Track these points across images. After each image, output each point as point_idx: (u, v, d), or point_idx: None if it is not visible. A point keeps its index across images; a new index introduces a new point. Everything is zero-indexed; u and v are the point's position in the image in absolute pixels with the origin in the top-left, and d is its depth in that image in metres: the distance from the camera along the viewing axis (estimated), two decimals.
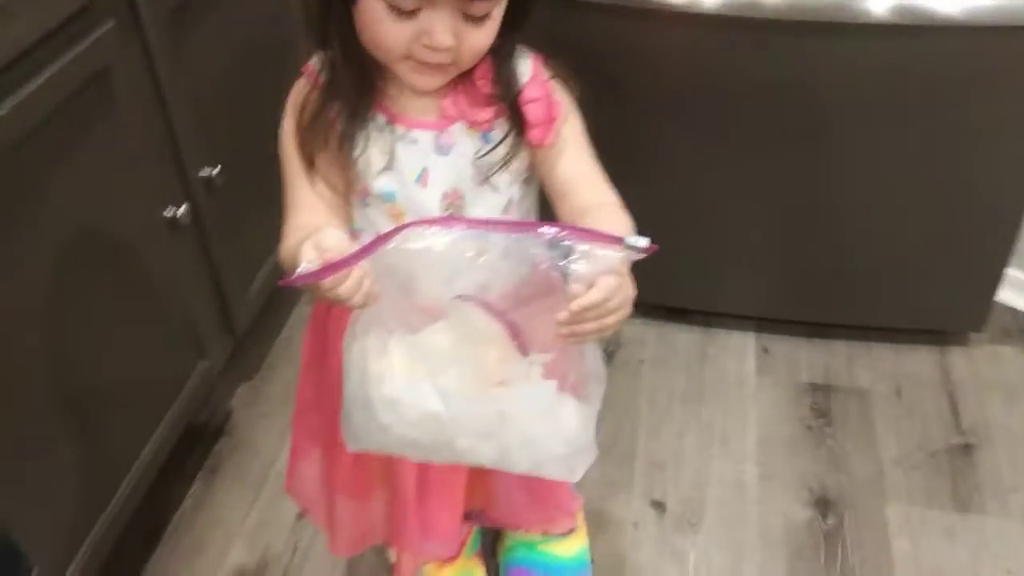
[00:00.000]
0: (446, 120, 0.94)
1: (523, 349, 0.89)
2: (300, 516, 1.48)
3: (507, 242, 0.81)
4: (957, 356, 1.76)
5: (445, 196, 0.96)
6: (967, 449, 1.58)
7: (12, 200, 1.03)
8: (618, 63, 1.47)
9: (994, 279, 1.65)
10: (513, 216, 1.00)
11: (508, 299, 0.85)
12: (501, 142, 0.94)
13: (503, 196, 0.98)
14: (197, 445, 1.59)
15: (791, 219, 1.64)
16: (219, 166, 1.41)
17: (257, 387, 1.72)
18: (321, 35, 0.92)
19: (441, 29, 0.84)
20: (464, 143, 0.95)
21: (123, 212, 1.24)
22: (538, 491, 1.23)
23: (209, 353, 1.49)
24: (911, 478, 1.53)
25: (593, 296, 0.79)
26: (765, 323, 1.81)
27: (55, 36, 1.05)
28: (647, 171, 1.57)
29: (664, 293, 1.74)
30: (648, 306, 1.77)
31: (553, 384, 0.90)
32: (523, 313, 0.86)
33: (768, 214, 1.64)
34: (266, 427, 1.64)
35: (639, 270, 0.82)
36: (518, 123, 0.94)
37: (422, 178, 0.95)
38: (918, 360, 1.75)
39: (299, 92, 0.96)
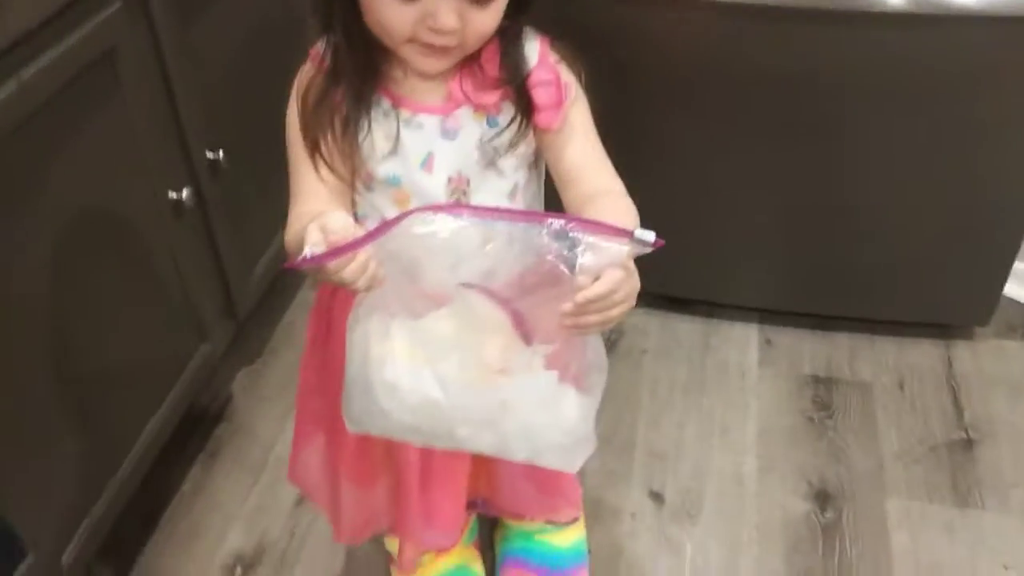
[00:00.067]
0: (452, 104, 0.94)
1: (526, 338, 0.88)
2: (298, 502, 1.48)
3: (514, 231, 0.80)
4: (961, 350, 1.75)
5: (450, 181, 0.95)
6: (968, 444, 1.58)
7: (16, 182, 1.03)
8: (625, 48, 1.46)
9: (1001, 273, 1.64)
10: (519, 201, 1.00)
11: (512, 287, 0.84)
12: (508, 126, 0.94)
13: (509, 181, 0.98)
14: (197, 429, 1.59)
15: (797, 210, 1.63)
16: (224, 149, 1.40)
17: (258, 371, 1.72)
18: (325, 18, 0.92)
19: (446, 11, 0.84)
20: (470, 127, 0.94)
21: (127, 195, 1.24)
22: (542, 480, 1.24)
23: (211, 337, 1.49)
24: (911, 472, 1.53)
25: (598, 288, 0.78)
26: (768, 314, 1.80)
27: (61, 16, 1.05)
28: (652, 159, 1.56)
29: (667, 283, 1.74)
30: (651, 296, 1.76)
31: (554, 374, 0.90)
32: (527, 302, 0.86)
33: (774, 205, 1.63)
34: (266, 412, 1.64)
35: (642, 259, 0.82)
36: (525, 107, 0.94)
37: (427, 163, 0.94)
38: (921, 354, 1.74)
39: (304, 76, 0.96)
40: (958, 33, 1.37)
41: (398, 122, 0.94)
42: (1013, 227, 1.58)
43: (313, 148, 0.95)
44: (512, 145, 0.95)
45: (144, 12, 1.22)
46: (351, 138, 0.94)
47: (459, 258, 0.82)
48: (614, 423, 1.60)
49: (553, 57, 0.96)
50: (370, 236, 0.79)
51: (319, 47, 0.94)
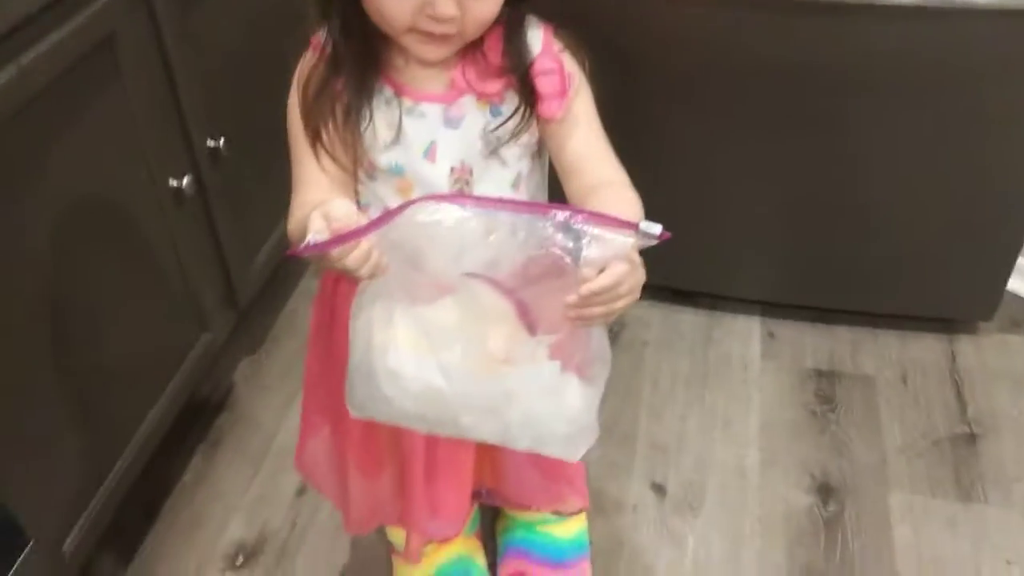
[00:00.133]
0: (455, 92, 0.93)
1: (531, 328, 0.88)
2: (300, 491, 1.48)
3: (517, 221, 0.80)
4: (965, 344, 1.74)
5: (453, 170, 0.95)
6: (972, 438, 1.57)
7: (15, 168, 1.03)
8: (628, 39, 1.45)
9: (1005, 268, 1.63)
10: (523, 191, 0.99)
11: (516, 278, 0.84)
12: (512, 115, 0.93)
13: (512, 170, 0.97)
14: (198, 418, 1.59)
15: (800, 203, 1.63)
16: (225, 136, 1.40)
17: (260, 360, 1.72)
18: (324, 7, 0.91)
19: (444, 0, 0.83)
20: (473, 116, 0.94)
21: (127, 182, 1.24)
22: (548, 469, 1.24)
23: (212, 326, 1.48)
24: (914, 466, 1.53)
25: (603, 281, 0.78)
26: (771, 307, 1.80)
27: (61, 1, 1.04)
28: (655, 151, 1.55)
29: (670, 275, 1.73)
30: (654, 288, 1.73)
31: (557, 364, 0.89)
32: (532, 292, 0.86)
33: (777, 197, 1.63)
34: (268, 401, 1.64)
35: (645, 251, 0.81)
36: (529, 95, 0.93)
37: (430, 152, 0.94)
38: (925, 348, 1.74)
39: (305, 65, 0.96)
40: (963, 26, 1.36)
41: (400, 111, 0.93)
42: (1018, 222, 1.57)
43: (314, 137, 0.94)
44: (515, 135, 0.94)
45: None
46: (352, 127, 0.93)
47: (462, 248, 0.82)
48: (616, 415, 1.60)
49: (557, 46, 0.96)
50: (374, 224, 0.78)
51: (320, 35, 0.94)
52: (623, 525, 1.44)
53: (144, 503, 1.44)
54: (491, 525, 1.40)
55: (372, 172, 0.96)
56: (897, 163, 1.53)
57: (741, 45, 1.45)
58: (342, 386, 0.96)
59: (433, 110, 0.93)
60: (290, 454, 1.33)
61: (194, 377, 1.45)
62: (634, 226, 0.78)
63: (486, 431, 0.93)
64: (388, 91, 0.93)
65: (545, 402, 0.90)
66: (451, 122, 0.94)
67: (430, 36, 0.87)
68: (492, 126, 0.94)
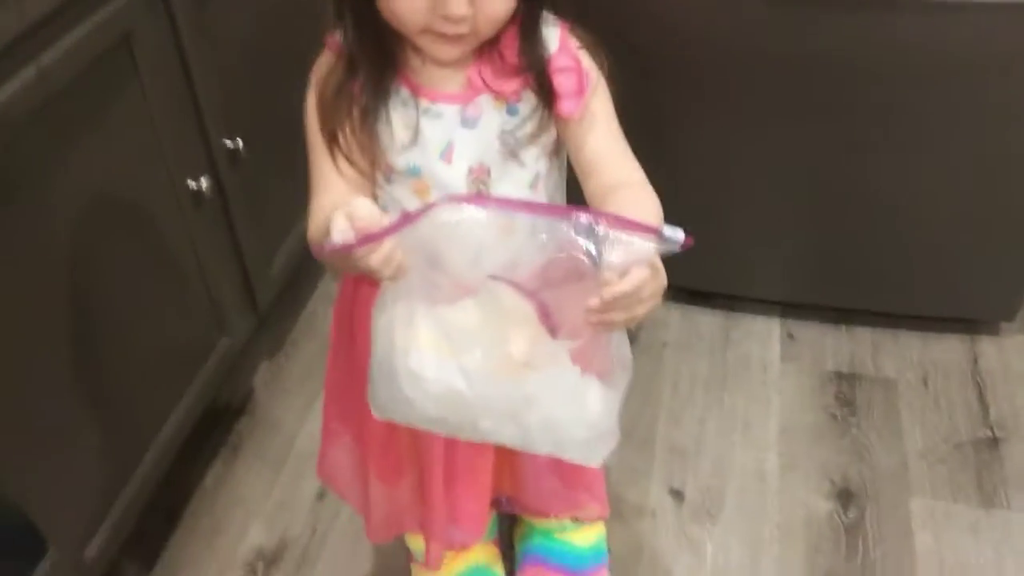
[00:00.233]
0: (472, 91, 0.93)
1: (552, 332, 0.88)
2: (320, 496, 1.49)
3: (539, 223, 0.79)
4: (987, 346, 1.73)
5: (471, 171, 0.94)
6: (994, 442, 1.56)
7: (33, 169, 1.03)
8: (644, 35, 1.44)
9: None
10: (541, 191, 0.99)
11: (536, 279, 0.84)
12: (530, 116, 0.93)
13: (530, 171, 0.97)
14: (219, 423, 1.60)
15: (819, 202, 1.61)
16: (243, 137, 1.40)
17: (279, 364, 1.73)
18: (338, 8, 0.91)
19: None
20: (490, 115, 0.93)
21: (145, 183, 1.24)
22: (568, 476, 1.23)
23: (231, 330, 1.49)
24: (936, 471, 1.51)
25: (625, 286, 0.77)
26: (790, 308, 1.79)
27: (79, 1, 1.05)
28: (673, 150, 1.55)
29: (688, 275, 1.72)
30: (671, 288, 1.72)
31: (578, 369, 0.89)
32: (553, 295, 0.85)
33: (796, 197, 1.62)
34: (288, 404, 1.65)
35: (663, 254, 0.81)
36: (546, 94, 0.93)
37: (447, 153, 0.94)
38: (946, 349, 1.72)
39: (321, 66, 0.95)
40: (986, 19, 1.34)
41: (417, 111, 0.93)
42: None
43: (331, 140, 0.94)
44: (534, 136, 0.94)
45: None
46: (370, 129, 0.93)
47: (480, 249, 0.81)
48: (634, 418, 1.59)
49: (574, 43, 0.95)
50: (397, 225, 0.78)
51: (336, 35, 0.93)
52: (642, 531, 1.44)
53: (165, 508, 1.45)
54: (509, 533, 1.40)
55: (389, 174, 0.96)
56: (918, 161, 1.51)
57: (757, 42, 1.44)
58: (363, 392, 0.95)
59: (450, 110, 0.93)
60: (310, 458, 1.33)
61: (214, 381, 1.46)
62: (657, 231, 0.77)
63: (506, 435, 0.92)
64: (405, 91, 0.93)
65: (566, 407, 0.90)
66: (468, 122, 0.93)
67: (444, 36, 0.87)
68: (509, 126, 0.93)
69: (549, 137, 0.96)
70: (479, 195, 0.94)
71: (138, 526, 1.29)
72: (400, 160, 0.94)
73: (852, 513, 1.45)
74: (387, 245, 0.78)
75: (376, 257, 0.78)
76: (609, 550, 1.36)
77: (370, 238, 0.77)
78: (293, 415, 1.62)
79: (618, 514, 1.44)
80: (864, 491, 1.48)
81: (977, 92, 1.42)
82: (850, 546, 1.41)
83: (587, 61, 0.95)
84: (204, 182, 1.32)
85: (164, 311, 1.33)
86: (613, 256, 0.77)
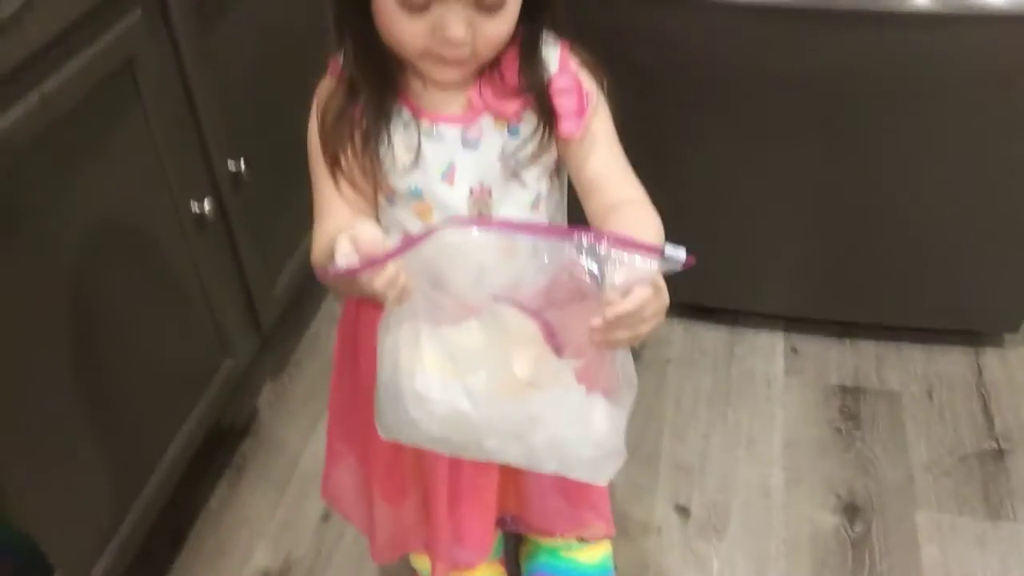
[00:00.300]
0: (473, 113, 0.93)
1: (557, 351, 0.88)
2: (324, 517, 1.49)
3: (540, 244, 0.80)
4: (991, 357, 1.73)
5: (472, 192, 0.95)
6: (1000, 454, 1.55)
7: (37, 194, 1.04)
8: (647, 53, 1.45)
9: None
10: (542, 211, 0.99)
11: (539, 298, 0.84)
12: (531, 137, 0.93)
13: (531, 191, 0.97)
14: (223, 444, 1.60)
15: (822, 216, 1.62)
16: (245, 160, 1.41)
17: (283, 384, 1.73)
18: (340, 34, 0.91)
19: (454, 22, 0.83)
20: (492, 136, 0.94)
21: (149, 207, 1.25)
22: (573, 495, 1.23)
23: (235, 351, 1.49)
24: (941, 484, 1.51)
25: (628, 305, 0.78)
26: (794, 322, 1.79)
27: (81, 26, 1.05)
28: (674, 167, 1.55)
29: (691, 291, 1.72)
30: (675, 304, 1.74)
31: (583, 388, 0.89)
32: (558, 315, 0.85)
33: (798, 211, 1.62)
34: (292, 425, 1.65)
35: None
36: (547, 115, 0.93)
37: (448, 174, 0.94)
38: (950, 362, 1.72)
39: (323, 90, 0.96)
40: (989, 33, 1.35)
41: (419, 133, 0.93)
42: None
43: (333, 163, 0.94)
44: (535, 156, 0.94)
45: (164, 21, 1.22)
46: (371, 152, 0.93)
47: (482, 270, 0.82)
48: (639, 435, 1.59)
49: (574, 63, 0.95)
50: (401, 248, 0.78)
51: (338, 59, 0.94)
52: (648, 548, 1.43)
53: (170, 530, 1.45)
54: (515, 551, 1.40)
55: (391, 196, 0.97)
56: (920, 174, 1.52)
57: (758, 58, 1.44)
58: (368, 413, 0.96)
59: (451, 132, 0.93)
60: (315, 479, 1.33)
61: (218, 402, 1.46)
62: (659, 251, 0.78)
63: (511, 455, 0.93)
64: (406, 114, 0.93)
65: (571, 426, 0.90)
66: (469, 143, 0.94)
67: (444, 59, 0.87)
68: (510, 147, 0.94)
69: (550, 157, 0.96)
70: (481, 217, 0.94)
71: (143, 548, 1.29)
72: (402, 182, 0.95)
73: (858, 527, 1.45)
74: (391, 268, 0.78)
75: (380, 280, 0.78)
76: (615, 567, 1.36)
77: (374, 262, 0.77)
78: (297, 436, 1.62)
79: (624, 531, 1.44)
80: (870, 505, 1.48)
81: (979, 105, 1.42)
82: (856, 560, 1.40)
83: (587, 81, 0.95)
84: (207, 205, 1.33)
85: (168, 333, 1.33)
86: (616, 276, 0.78)
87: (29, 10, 0.94)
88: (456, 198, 0.94)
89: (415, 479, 1.15)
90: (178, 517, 1.47)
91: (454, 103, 0.93)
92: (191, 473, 1.41)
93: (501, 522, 1.27)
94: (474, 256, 0.80)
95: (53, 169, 1.05)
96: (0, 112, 0.95)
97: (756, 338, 1.79)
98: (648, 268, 0.78)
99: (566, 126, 0.93)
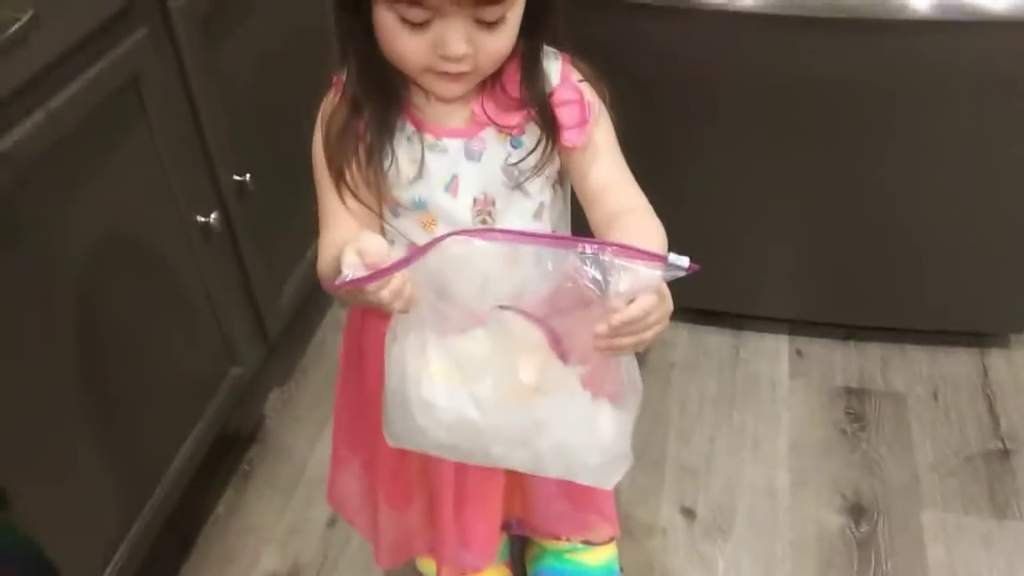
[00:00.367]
0: (476, 126, 0.94)
1: (563, 358, 0.88)
2: (331, 523, 1.49)
3: (544, 253, 0.81)
4: (996, 358, 1.73)
5: (476, 202, 0.95)
6: (1005, 454, 1.56)
7: (44, 209, 1.05)
8: (646, 64, 1.45)
9: None
10: (545, 220, 1.00)
11: (544, 306, 0.85)
12: (534, 149, 0.94)
13: (535, 201, 0.98)
14: (230, 451, 1.61)
15: (825, 219, 1.62)
16: (250, 172, 1.41)
17: (290, 391, 1.74)
18: (342, 50, 0.92)
19: (455, 38, 0.84)
20: (494, 148, 0.94)
21: (155, 220, 1.26)
22: (578, 499, 1.23)
23: (242, 360, 1.50)
24: (947, 484, 1.51)
25: (632, 312, 0.78)
26: (799, 325, 1.79)
27: (88, 44, 1.07)
28: (678, 171, 1.56)
29: (695, 295, 1.70)
30: (679, 308, 1.74)
31: (588, 394, 0.90)
32: (563, 322, 0.86)
33: (802, 214, 1.62)
34: (299, 432, 1.65)
35: None
36: (550, 127, 0.93)
37: (451, 186, 0.95)
38: (956, 362, 1.72)
39: (327, 105, 0.96)
40: (988, 39, 1.36)
41: (423, 147, 0.94)
42: None
43: (338, 177, 0.95)
44: (538, 167, 0.95)
45: (169, 38, 1.23)
46: (375, 165, 0.94)
47: (487, 279, 0.83)
48: (644, 438, 1.60)
49: (576, 76, 0.96)
50: (408, 259, 0.79)
51: (342, 75, 0.95)
52: (653, 550, 1.44)
53: (178, 536, 1.46)
54: (521, 554, 1.41)
55: (395, 208, 0.97)
56: (923, 176, 1.52)
57: (757, 68, 1.44)
58: (373, 419, 0.96)
59: (454, 144, 0.94)
60: (321, 485, 1.34)
61: (225, 410, 1.47)
62: (662, 259, 0.78)
63: (518, 461, 0.94)
64: (410, 128, 0.94)
65: (577, 432, 0.91)
66: (472, 155, 0.94)
67: (446, 74, 0.88)
68: (513, 158, 0.94)
69: (553, 168, 0.97)
70: (486, 229, 0.95)
71: (151, 554, 1.30)
72: (406, 194, 0.95)
73: (864, 527, 1.45)
74: (398, 279, 0.79)
75: (387, 291, 0.79)
76: (621, 569, 1.36)
77: (381, 273, 0.78)
78: (304, 442, 1.63)
79: (629, 533, 1.44)
80: (875, 505, 1.48)
81: (980, 109, 1.43)
82: (862, 560, 1.41)
83: (589, 93, 0.96)
84: (213, 217, 1.34)
85: (175, 342, 1.34)
86: (620, 284, 0.78)
87: (36, 28, 0.95)
88: (460, 209, 0.95)
89: (420, 484, 1.16)
90: (186, 523, 1.47)
91: (457, 116, 0.94)
92: (198, 480, 1.42)
93: (507, 525, 1.27)
94: (478, 265, 0.81)
95: (59, 184, 1.06)
96: (7, 129, 0.96)
97: (761, 341, 1.79)
98: (652, 276, 0.79)
99: (569, 136, 0.94)
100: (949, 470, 1.53)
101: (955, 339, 1.75)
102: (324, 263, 0.94)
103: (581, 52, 0.98)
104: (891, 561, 1.41)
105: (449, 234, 0.80)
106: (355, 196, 0.95)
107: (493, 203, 0.96)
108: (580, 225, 1.00)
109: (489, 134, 0.94)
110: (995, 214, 1.55)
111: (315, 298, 1.78)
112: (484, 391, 0.88)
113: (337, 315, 1.86)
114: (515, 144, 0.94)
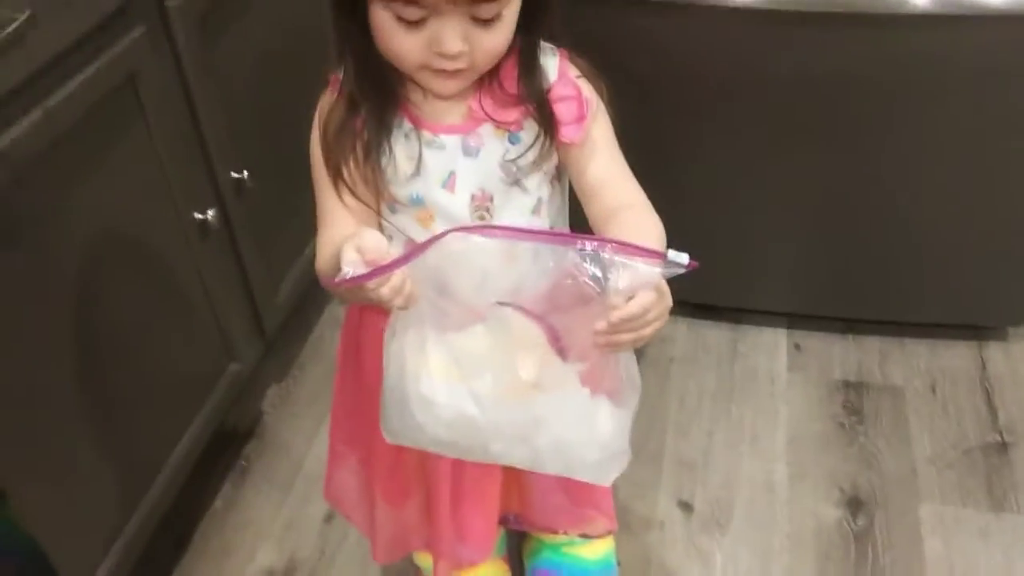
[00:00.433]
0: (473, 122, 0.94)
1: (562, 354, 0.89)
2: (328, 518, 1.49)
3: (542, 249, 0.81)
4: (994, 351, 1.73)
5: (474, 199, 0.95)
6: (1003, 447, 1.56)
7: (42, 207, 1.05)
8: (643, 60, 1.45)
9: None
10: (543, 215, 1.00)
11: (543, 303, 0.85)
12: (532, 145, 0.94)
13: (532, 196, 0.98)
14: (228, 447, 1.61)
15: (823, 213, 1.62)
16: (248, 168, 1.41)
17: (287, 388, 1.74)
18: (339, 48, 0.92)
19: (451, 36, 0.84)
20: (492, 144, 0.94)
21: (153, 217, 1.26)
22: (576, 493, 1.24)
23: (240, 356, 1.50)
24: (945, 477, 1.52)
25: (632, 309, 0.78)
26: (797, 319, 1.79)
27: (86, 42, 1.06)
28: (676, 167, 1.56)
29: (694, 289, 1.70)
30: (677, 302, 1.74)
31: (587, 391, 0.90)
32: (562, 319, 0.86)
33: (800, 209, 1.62)
34: (296, 428, 1.65)
35: None
36: (547, 122, 0.93)
37: (449, 182, 0.95)
38: (954, 356, 1.73)
39: (325, 103, 0.96)
40: (987, 33, 1.35)
41: (420, 143, 0.94)
42: None
43: (336, 175, 0.95)
44: (535, 163, 0.95)
45: (166, 36, 1.23)
46: (373, 163, 0.94)
47: (485, 276, 0.83)
48: (643, 432, 1.60)
49: (573, 72, 0.96)
50: (407, 256, 0.79)
51: (339, 73, 0.95)
52: (650, 543, 1.44)
53: (175, 531, 1.46)
54: (518, 548, 1.41)
55: (393, 205, 0.97)
56: (921, 170, 1.52)
57: (755, 63, 1.44)
58: (370, 416, 0.96)
59: (452, 141, 0.94)
60: (318, 481, 1.34)
61: (223, 406, 1.47)
62: (662, 256, 0.78)
63: (517, 457, 0.94)
64: (407, 125, 0.94)
65: (576, 428, 0.91)
66: (470, 151, 0.94)
67: (442, 72, 0.88)
68: (511, 154, 0.94)
69: (551, 163, 0.97)
70: (485, 225, 0.95)
71: (148, 549, 1.30)
72: (403, 191, 0.95)
73: (861, 521, 1.46)
74: (397, 276, 0.79)
75: (387, 288, 0.79)
76: (618, 562, 1.36)
77: (381, 270, 0.78)
78: (301, 438, 1.63)
79: (626, 526, 1.44)
80: (873, 498, 1.49)
81: (979, 103, 1.42)
82: (860, 553, 1.41)
83: (587, 89, 0.96)
84: (210, 214, 1.34)
85: (173, 339, 1.34)
86: (619, 280, 0.78)
87: (33, 27, 0.95)
88: (458, 205, 0.95)
89: (417, 480, 1.16)
90: (183, 519, 1.47)
91: (454, 113, 0.94)
92: (196, 475, 1.42)
93: (504, 520, 1.27)
94: (478, 262, 0.81)
95: (57, 182, 1.06)
96: (4, 128, 0.96)
97: (759, 335, 1.79)
98: (651, 273, 0.79)
99: (567, 132, 0.94)
100: (947, 463, 1.54)
101: (953, 332, 1.75)
102: (323, 260, 0.94)
103: (578, 48, 0.98)
104: (889, 554, 1.41)
105: (449, 230, 0.80)
106: (353, 193, 0.95)
107: (491, 199, 0.96)
108: (579, 221, 1.00)
109: (487, 130, 0.94)
110: (994, 207, 1.55)
111: (313, 295, 1.78)
112: (483, 388, 0.88)
113: (335, 312, 1.86)
114: (513, 140, 0.94)
